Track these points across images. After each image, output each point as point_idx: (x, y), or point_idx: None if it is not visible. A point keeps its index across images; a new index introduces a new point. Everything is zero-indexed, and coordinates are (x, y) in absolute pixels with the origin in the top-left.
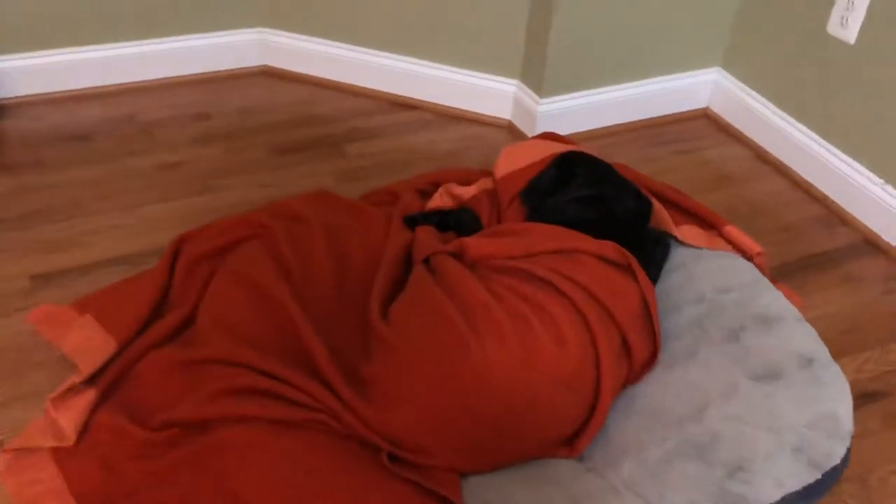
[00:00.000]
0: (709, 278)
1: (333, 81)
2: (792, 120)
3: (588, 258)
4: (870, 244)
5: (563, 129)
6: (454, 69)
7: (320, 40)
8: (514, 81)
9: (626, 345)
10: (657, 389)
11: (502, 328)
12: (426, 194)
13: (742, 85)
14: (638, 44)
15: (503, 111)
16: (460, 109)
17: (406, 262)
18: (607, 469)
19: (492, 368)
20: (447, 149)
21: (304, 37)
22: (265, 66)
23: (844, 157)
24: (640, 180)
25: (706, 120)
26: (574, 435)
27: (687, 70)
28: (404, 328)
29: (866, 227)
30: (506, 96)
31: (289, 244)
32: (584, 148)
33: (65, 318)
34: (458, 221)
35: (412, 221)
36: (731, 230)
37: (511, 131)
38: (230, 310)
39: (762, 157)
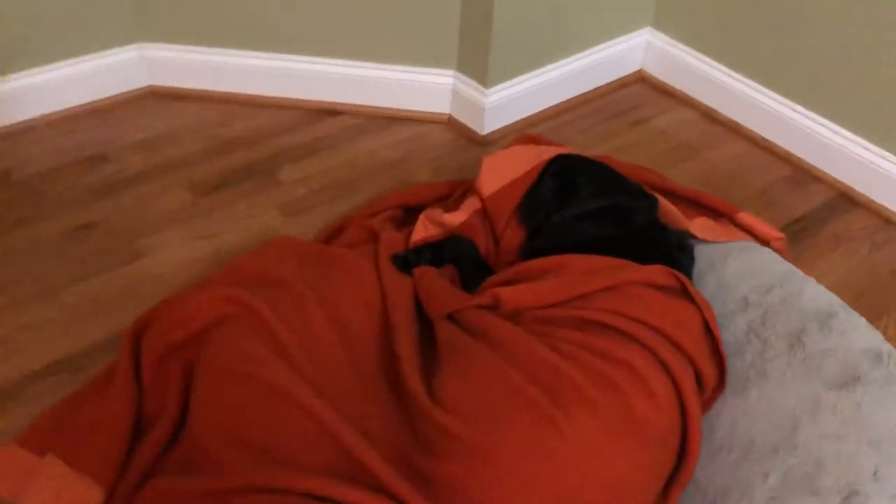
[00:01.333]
0: (743, 278)
1: (240, 95)
2: (736, 74)
3: (641, 289)
4: (846, 199)
5: (512, 117)
6: (380, 66)
7: (215, 50)
8: (450, 72)
9: (698, 376)
10: (739, 419)
11: (590, 397)
12: (400, 221)
13: (676, 42)
14: (574, 16)
15: (441, 106)
16: (392, 109)
17: (417, 316)
18: None
19: (589, 446)
20: (391, 157)
21: (194, 48)
22: (152, 86)
23: (801, 108)
24: (634, 174)
25: (643, 83)
26: (664, 488)
27: (620, 35)
28: (469, 413)
29: (837, 180)
30: (442, 90)
31: (281, 321)
32: (541, 132)
33: (20, 464)
34: (456, 254)
35: (404, 262)
36: (745, 217)
37: (453, 126)
38: (238, 420)
39: (712, 118)
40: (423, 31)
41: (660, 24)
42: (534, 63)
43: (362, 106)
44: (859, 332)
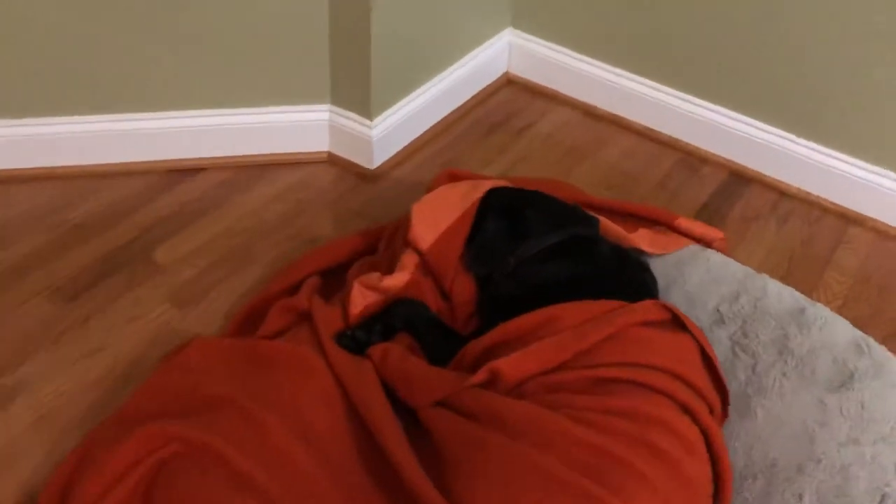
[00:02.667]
0: (707, 289)
1: (77, 168)
2: (605, 65)
3: (640, 330)
4: (738, 177)
5: (399, 144)
6: (240, 110)
7: (39, 120)
8: (325, 107)
9: (710, 409)
10: (754, 443)
11: (640, 471)
12: (325, 290)
13: (537, 39)
14: (441, 28)
15: (317, 144)
16: (261, 155)
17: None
18: None
19: None
20: (279, 211)
21: (12, 120)
22: None
23: (679, 93)
24: (558, 193)
25: (512, 87)
26: None
27: (484, 40)
28: None
29: (727, 160)
30: (317, 127)
31: (237, 451)
32: (432, 155)
33: None
34: (409, 320)
35: (353, 343)
36: (683, 222)
37: (335, 164)
38: None
39: (592, 114)
40: (288, 67)
41: (519, 23)
42: (412, 84)
43: (224, 157)
44: (832, 325)
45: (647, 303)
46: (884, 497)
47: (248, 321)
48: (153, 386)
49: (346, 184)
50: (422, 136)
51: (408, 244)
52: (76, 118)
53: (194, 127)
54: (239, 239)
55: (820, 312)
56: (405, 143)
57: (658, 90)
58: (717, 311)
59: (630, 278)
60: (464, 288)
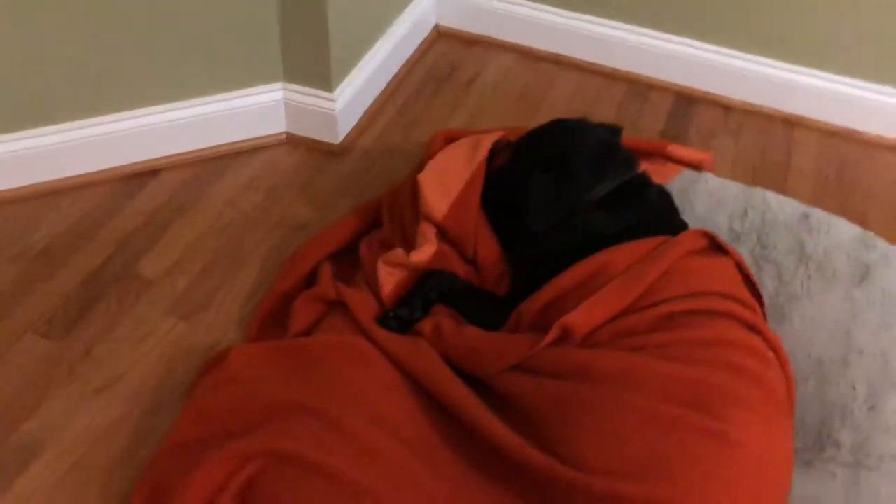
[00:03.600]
0: (714, 211)
1: (24, 189)
2: (532, 3)
3: (689, 260)
4: (684, 98)
5: (356, 115)
6: (189, 102)
7: None
8: (278, 86)
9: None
10: (796, 347)
11: (737, 393)
12: (343, 275)
13: None
14: None
15: (274, 125)
16: (219, 146)
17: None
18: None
19: (760, 443)
20: (256, 201)
21: None
22: None
23: (614, 23)
24: None
25: (446, 39)
26: None
27: None
28: (629, 468)
29: (670, 83)
30: (272, 107)
31: (331, 456)
32: (391, 120)
33: None
34: (443, 291)
35: (399, 323)
36: (675, 149)
37: (296, 144)
38: None
39: (531, 56)
40: (234, 49)
41: None
42: (363, 49)
43: (181, 154)
44: (836, 225)
45: (689, 233)
46: None
47: (271, 321)
48: (202, 405)
49: (313, 163)
50: (376, 101)
51: (422, 215)
52: (15, 135)
53: (145, 127)
54: (223, 237)
55: (820, 215)
56: (363, 111)
57: (593, 23)
58: (732, 229)
59: (674, 216)
60: (488, 251)
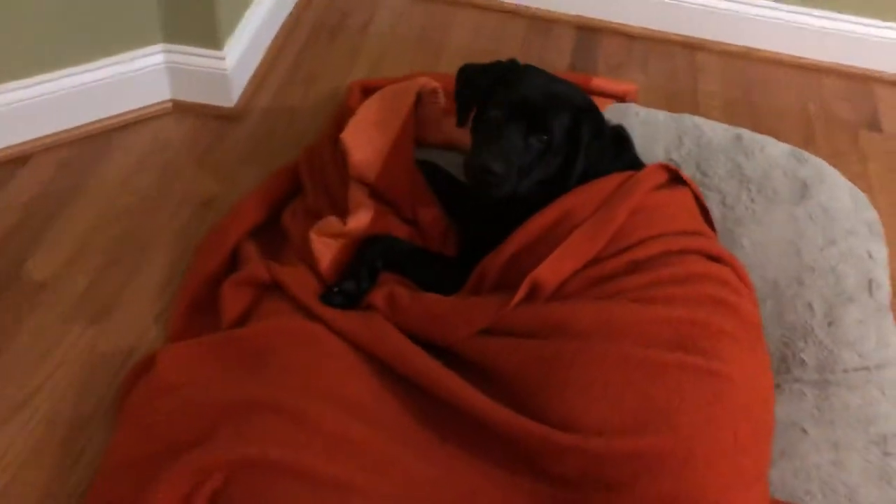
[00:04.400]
0: (650, 140)
1: None
2: None
3: (655, 196)
4: (586, 30)
5: (248, 72)
6: (56, 74)
7: None
8: (158, 48)
9: None
10: (753, 269)
11: (719, 327)
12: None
13: None
14: None
15: (157, 93)
16: (96, 122)
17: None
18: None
19: (748, 371)
20: (151, 180)
21: None
22: None
23: None
24: None
25: None
26: None
27: None
28: (629, 422)
29: (570, 15)
30: (153, 72)
31: (300, 453)
32: (285, 76)
33: None
34: (390, 257)
35: (346, 298)
36: (599, 82)
37: (185, 111)
38: None
39: None
40: (103, 9)
41: None
42: (241, 4)
43: (53, 135)
44: (766, 144)
45: (650, 168)
46: (871, 282)
47: (196, 312)
48: (142, 419)
49: (208, 130)
50: (266, 57)
51: (351, 177)
52: None
53: (6, 106)
54: (121, 225)
55: (751, 136)
56: (254, 69)
57: None
58: (671, 160)
59: (629, 152)
60: (429, 208)
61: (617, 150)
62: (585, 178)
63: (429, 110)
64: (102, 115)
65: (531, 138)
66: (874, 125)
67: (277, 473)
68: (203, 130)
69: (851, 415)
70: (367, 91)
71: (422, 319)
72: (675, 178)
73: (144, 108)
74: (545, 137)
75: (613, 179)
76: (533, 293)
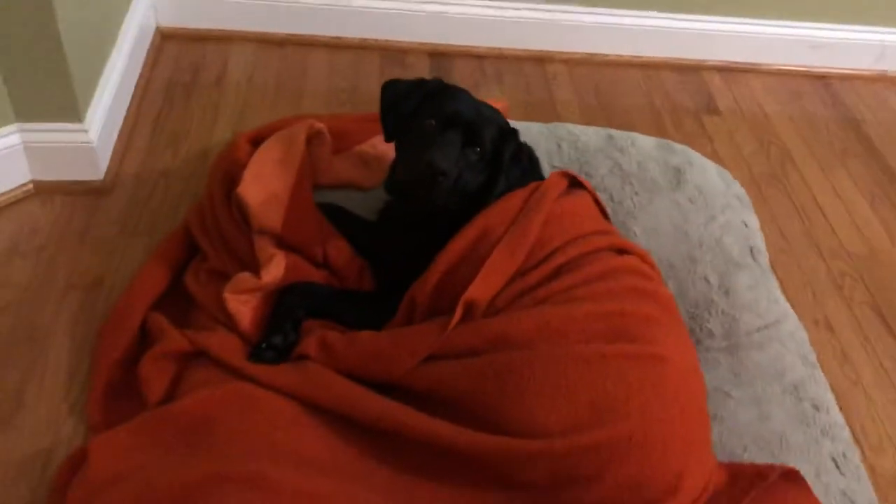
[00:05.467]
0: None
1: None
2: None
3: (562, 205)
4: (438, 56)
5: (111, 142)
6: None
7: None
8: (12, 127)
9: None
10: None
11: (646, 314)
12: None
13: None
14: None
15: (15, 176)
16: None
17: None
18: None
19: (677, 350)
20: (30, 269)
21: None
22: None
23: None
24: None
25: (172, 40)
26: None
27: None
28: (584, 418)
29: (419, 43)
30: (9, 154)
31: None
32: (148, 140)
33: None
34: (310, 304)
35: (276, 353)
36: None
37: (48, 191)
38: None
39: (271, 42)
40: None
41: None
42: (99, 64)
43: None
44: (636, 139)
45: (552, 178)
46: (752, 249)
47: (114, 398)
48: None
49: (81, 207)
50: (126, 122)
51: (255, 231)
52: None
53: None
54: (6, 322)
55: (620, 134)
56: (116, 136)
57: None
58: (554, 166)
59: (539, 171)
60: (340, 249)
61: (532, 169)
62: (501, 194)
63: (317, 151)
64: None
65: (466, 149)
66: (713, 109)
67: None
68: (74, 208)
69: (764, 371)
70: (255, 142)
71: (361, 359)
72: (573, 183)
73: (3, 193)
74: (478, 150)
75: (519, 194)
76: (468, 313)
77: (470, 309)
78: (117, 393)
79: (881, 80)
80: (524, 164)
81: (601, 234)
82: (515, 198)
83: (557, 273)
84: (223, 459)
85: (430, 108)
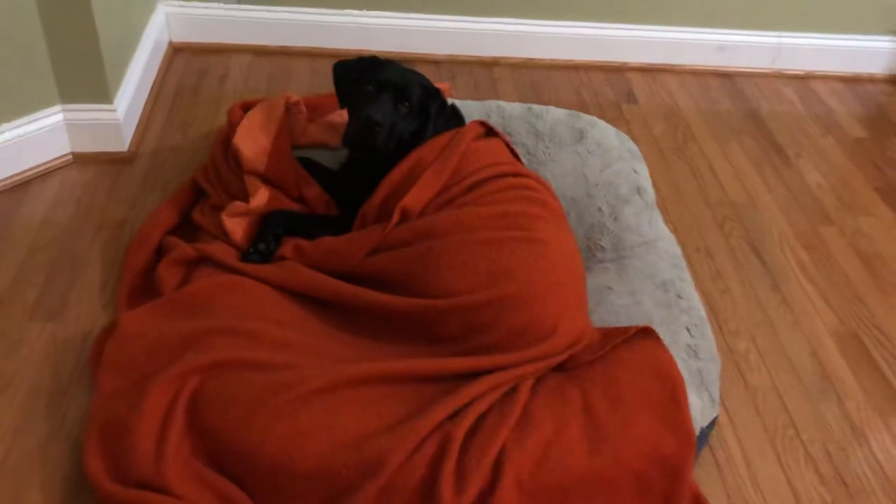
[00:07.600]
0: (466, 119)
1: None
2: (258, 7)
3: (479, 143)
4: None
5: (134, 120)
6: None
7: None
8: (57, 108)
9: None
10: (558, 193)
11: (535, 213)
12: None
13: (193, 4)
14: None
15: (58, 148)
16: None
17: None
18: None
19: (557, 237)
20: (71, 213)
21: None
22: None
23: (326, 10)
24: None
25: (183, 54)
26: None
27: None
28: (485, 279)
29: (390, 51)
30: (53, 131)
31: (254, 350)
32: (163, 121)
33: None
34: (289, 224)
35: (260, 255)
36: None
37: (84, 161)
38: None
39: (264, 52)
40: (4, 78)
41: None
42: (127, 55)
43: None
44: (549, 110)
45: (470, 124)
46: (638, 188)
47: (136, 296)
48: (118, 362)
49: (110, 172)
50: (144, 110)
51: (245, 171)
52: None
53: None
54: (51, 251)
55: (537, 107)
56: (137, 119)
57: (315, 13)
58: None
59: (462, 119)
60: (312, 188)
61: (456, 119)
62: (431, 137)
63: (295, 118)
64: (8, 175)
65: (398, 105)
66: (631, 99)
67: (241, 367)
68: (104, 173)
69: (641, 273)
70: (245, 108)
71: (323, 255)
72: (489, 131)
73: (46, 163)
74: (407, 104)
75: (446, 136)
76: (403, 218)
77: (405, 215)
78: (139, 293)
79: (778, 76)
80: (448, 115)
81: (507, 164)
82: (442, 138)
83: (471, 188)
84: (220, 320)
85: (368, 78)
